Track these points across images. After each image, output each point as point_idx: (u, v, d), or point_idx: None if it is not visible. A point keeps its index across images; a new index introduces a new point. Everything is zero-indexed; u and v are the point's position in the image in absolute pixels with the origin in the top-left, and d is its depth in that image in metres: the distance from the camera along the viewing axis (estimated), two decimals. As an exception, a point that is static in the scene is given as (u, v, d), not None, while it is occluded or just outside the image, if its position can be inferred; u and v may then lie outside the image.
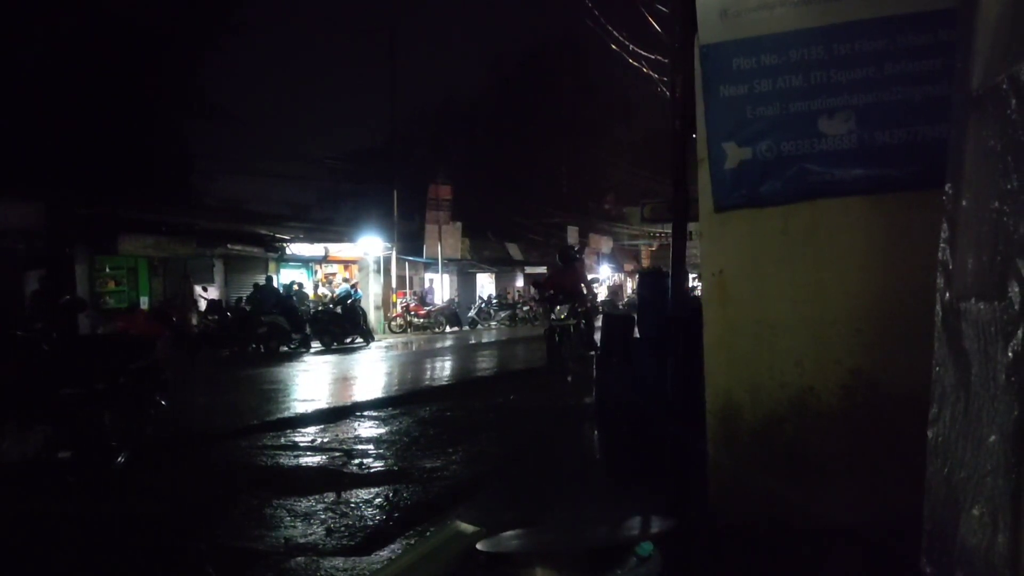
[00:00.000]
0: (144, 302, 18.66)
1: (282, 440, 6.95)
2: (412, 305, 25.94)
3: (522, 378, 11.50)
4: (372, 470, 5.86)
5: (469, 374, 11.68)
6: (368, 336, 19.46)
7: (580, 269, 12.64)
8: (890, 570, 2.90)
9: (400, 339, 22.13)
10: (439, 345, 20.21)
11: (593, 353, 9.40)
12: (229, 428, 7.37)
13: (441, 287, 29.47)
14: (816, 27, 3.54)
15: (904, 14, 3.43)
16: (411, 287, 28.74)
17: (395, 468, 5.97)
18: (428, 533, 4.18)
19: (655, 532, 2.30)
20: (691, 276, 9.63)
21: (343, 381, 10.57)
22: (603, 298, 33.28)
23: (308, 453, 6.47)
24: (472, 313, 28.26)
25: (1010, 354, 1.65)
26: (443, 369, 12.96)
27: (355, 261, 26.06)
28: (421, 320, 25.25)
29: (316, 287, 24.43)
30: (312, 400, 9.37)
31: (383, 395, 9.87)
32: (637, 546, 2.14)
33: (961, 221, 1.96)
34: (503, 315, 29.48)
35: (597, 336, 9.30)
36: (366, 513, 4.66)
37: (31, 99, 14.94)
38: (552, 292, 11.50)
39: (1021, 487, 1.58)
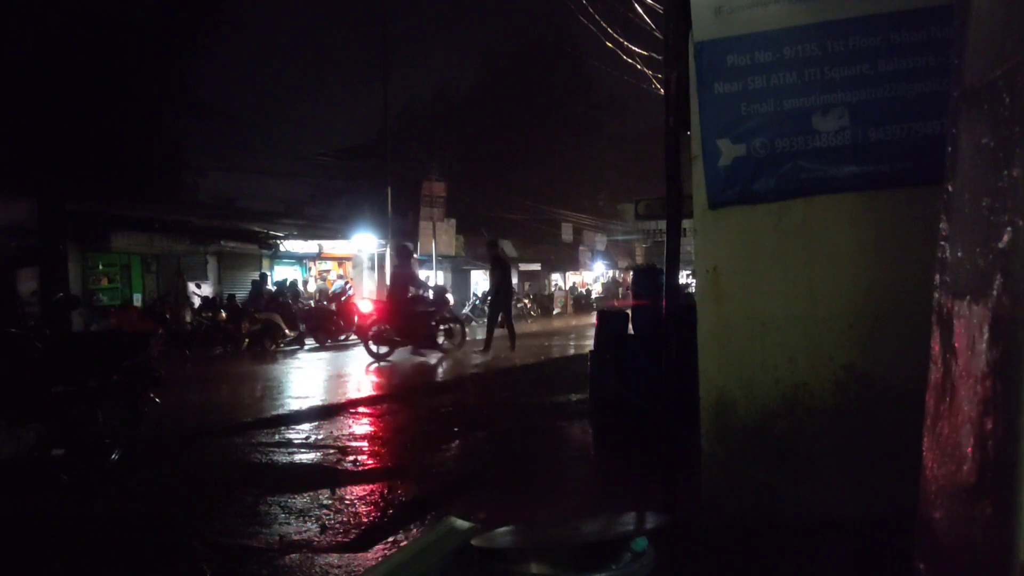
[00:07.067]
0: (137, 299, 18.60)
1: (276, 437, 6.94)
2: (406, 302, 25.85)
3: (517, 374, 11.50)
4: (366, 466, 5.86)
5: (464, 371, 11.66)
6: (362, 333, 19.41)
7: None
8: (882, 565, 2.92)
9: (394, 336, 22.04)
10: (433, 342, 20.14)
11: None
12: (223, 425, 7.35)
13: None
14: (810, 24, 3.54)
15: (897, 11, 3.44)
16: (405, 284, 28.65)
17: (389, 464, 5.97)
18: (422, 529, 4.19)
19: (649, 527, 2.30)
20: (685, 272, 9.64)
21: (337, 378, 10.56)
22: (596, 295, 33.38)
23: (302, 450, 6.46)
24: (466, 310, 28.22)
25: (1005, 351, 1.65)
26: (437, 366, 12.95)
27: (349, 258, 26.00)
28: (415, 317, 25.16)
29: (306, 284, 24.36)
30: (306, 397, 9.36)
31: (377, 392, 9.87)
32: (632, 541, 2.14)
33: (958, 218, 1.97)
34: (497, 312, 29.48)
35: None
36: (360, 510, 4.66)
37: (20, 96, 14.83)
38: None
39: (1015, 485, 1.59)
